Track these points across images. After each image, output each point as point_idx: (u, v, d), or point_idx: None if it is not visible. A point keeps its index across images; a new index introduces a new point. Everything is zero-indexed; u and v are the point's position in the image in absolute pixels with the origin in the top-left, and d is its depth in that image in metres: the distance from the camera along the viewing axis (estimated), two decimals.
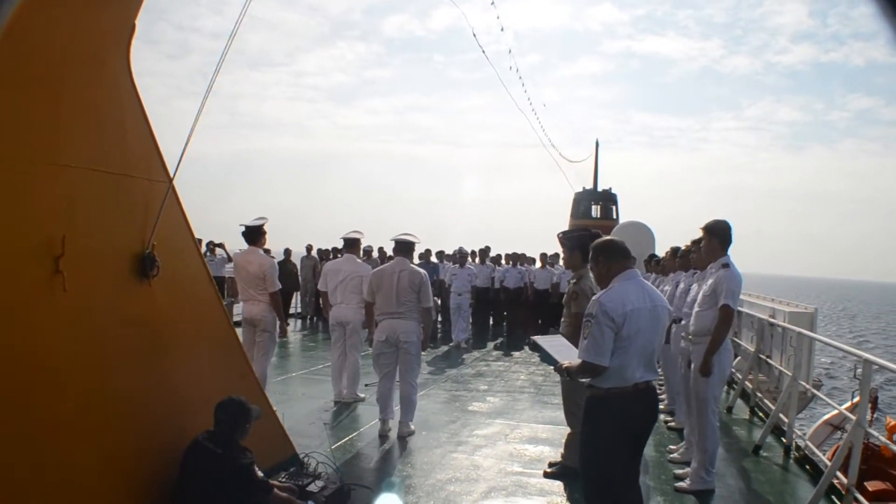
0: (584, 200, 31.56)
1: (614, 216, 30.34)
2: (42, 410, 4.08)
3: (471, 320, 17.50)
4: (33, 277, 4.14)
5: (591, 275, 6.76)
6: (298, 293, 20.64)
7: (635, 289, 4.49)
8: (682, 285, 8.75)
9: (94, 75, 4.61)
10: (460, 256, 17.44)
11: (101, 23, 4.65)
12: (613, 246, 4.66)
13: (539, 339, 5.07)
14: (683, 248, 9.27)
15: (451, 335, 16.90)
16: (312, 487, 5.57)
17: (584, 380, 4.60)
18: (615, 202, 31.57)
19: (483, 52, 17.00)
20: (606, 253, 4.65)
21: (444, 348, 15.79)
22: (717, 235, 6.61)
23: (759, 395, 10.38)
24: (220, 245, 17.58)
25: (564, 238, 6.91)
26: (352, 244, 9.91)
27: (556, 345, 5.01)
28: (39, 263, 4.14)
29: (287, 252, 19.41)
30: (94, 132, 4.61)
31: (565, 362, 4.60)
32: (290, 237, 20.12)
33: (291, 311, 19.77)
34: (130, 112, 4.91)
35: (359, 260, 10.03)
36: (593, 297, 4.51)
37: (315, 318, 20.18)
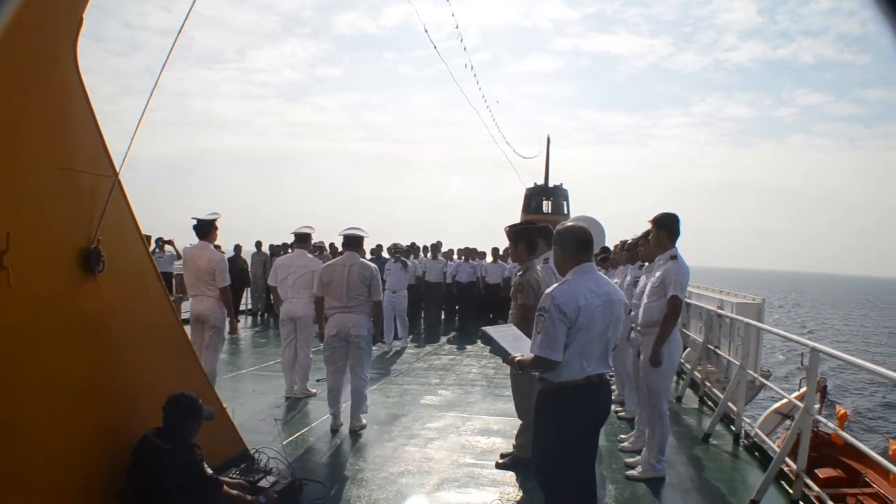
0: (535, 196, 31.67)
1: (565, 211, 30.52)
2: None
3: (407, 322, 16.09)
4: None
5: (537, 267, 6.81)
6: (249, 289, 20.49)
7: (590, 282, 4.40)
8: (629, 277, 8.86)
9: (41, 69, 4.52)
10: (395, 251, 16.12)
11: (48, 16, 4.56)
12: (574, 236, 4.53)
13: (490, 329, 4.98)
14: (630, 241, 9.39)
15: (396, 332, 15.58)
16: (263, 483, 5.52)
17: (535, 373, 4.58)
18: (566, 198, 31.72)
19: (435, 48, 16.94)
20: (565, 242, 4.54)
21: (397, 343, 15.58)
22: (666, 227, 6.71)
23: (709, 384, 10.55)
24: (170, 242, 17.35)
25: (510, 231, 6.93)
26: (303, 239, 9.89)
27: (507, 335, 4.91)
28: None
29: (237, 248, 19.25)
30: (40, 126, 4.52)
31: (517, 354, 4.54)
32: (240, 234, 19.92)
33: (242, 307, 19.62)
34: (77, 106, 4.81)
35: (310, 255, 9.99)
36: (546, 291, 4.43)
37: (266, 315, 20.03)
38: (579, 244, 4.51)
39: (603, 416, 4.61)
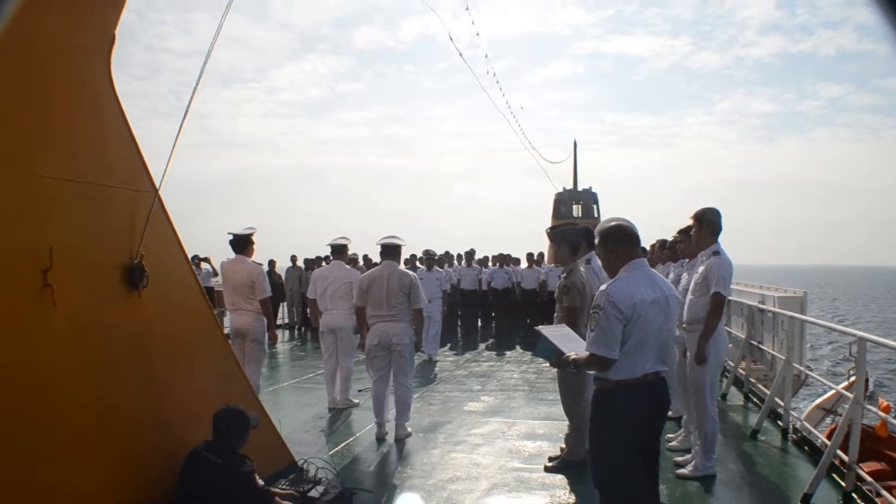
0: (565, 200, 31.64)
1: (596, 215, 30.40)
2: (36, 427, 4.02)
3: (438, 334, 15.28)
4: (22, 291, 4.08)
5: (580, 268, 6.75)
6: (285, 304, 20.57)
7: (644, 279, 4.30)
8: (671, 275, 8.75)
9: (77, 86, 4.57)
10: (427, 259, 15.52)
11: (81, 33, 4.61)
12: (622, 232, 4.41)
13: (544, 329, 4.90)
14: (671, 239, 9.29)
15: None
16: (314, 493, 5.51)
17: (591, 372, 4.49)
18: (596, 201, 31.66)
19: (461, 54, 17.01)
20: (614, 238, 4.41)
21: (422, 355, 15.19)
22: (707, 223, 6.62)
23: (753, 380, 10.40)
24: (206, 259, 17.47)
25: (553, 233, 6.88)
26: (339, 250, 9.86)
27: (561, 335, 4.82)
28: (28, 277, 4.08)
29: (271, 263, 19.27)
30: (78, 143, 4.57)
31: (572, 354, 4.44)
32: (271, 253, 19.89)
33: (279, 321, 19.64)
34: (113, 122, 4.86)
35: (347, 266, 9.96)
36: (601, 288, 4.32)
37: (303, 328, 20.09)
38: (629, 240, 4.41)
39: (661, 414, 4.50)
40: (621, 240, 4.41)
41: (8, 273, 4.01)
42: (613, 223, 4.51)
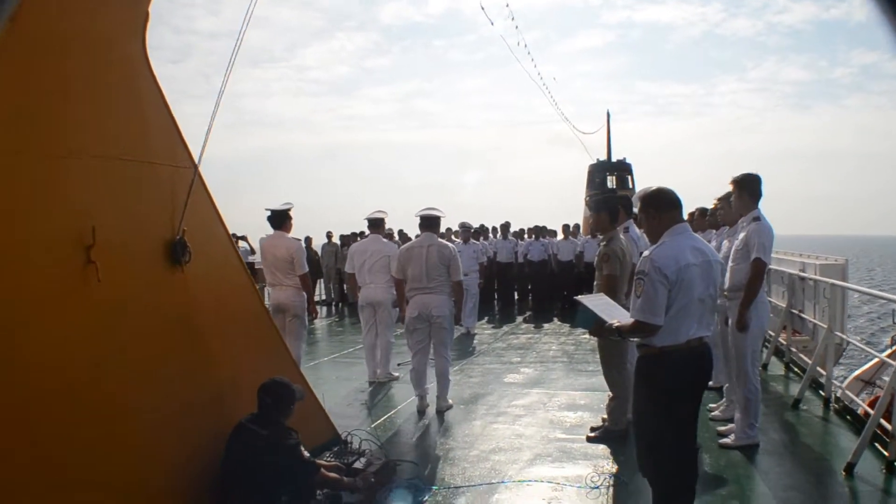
0: (598, 172, 31.32)
1: (630, 186, 30.07)
2: (83, 403, 4.06)
3: (476, 306, 15.30)
4: (67, 269, 4.12)
5: (620, 236, 6.70)
6: (322, 280, 20.66)
7: (687, 243, 4.26)
8: (713, 243, 8.64)
9: (111, 64, 4.57)
10: (463, 231, 15.91)
11: (114, 12, 4.62)
12: (663, 196, 4.39)
13: (583, 298, 4.88)
14: (712, 206, 9.17)
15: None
16: (358, 465, 5.55)
17: (634, 339, 4.47)
18: (630, 172, 31.29)
19: (492, 23, 16.90)
20: (656, 204, 4.38)
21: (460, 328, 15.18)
22: (747, 188, 6.52)
23: (794, 350, 10.29)
24: (243, 237, 17.57)
25: (593, 201, 6.86)
26: (376, 224, 9.85)
27: (601, 304, 4.81)
28: (72, 255, 4.12)
29: (308, 240, 19.29)
30: (115, 121, 4.57)
31: (614, 321, 4.42)
32: (306, 230, 19.95)
33: (316, 298, 19.71)
34: (150, 99, 4.87)
35: (384, 239, 9.96)
36: (644, 254, 4.30)
37: (340, 304, 20.22)
38: (671, 204, 4.37)
39: (704, 381, 4.47)
40: (663, 205, 4.38)
41: (52, 251, 4.05)
42: (655, 188, 4.49)
